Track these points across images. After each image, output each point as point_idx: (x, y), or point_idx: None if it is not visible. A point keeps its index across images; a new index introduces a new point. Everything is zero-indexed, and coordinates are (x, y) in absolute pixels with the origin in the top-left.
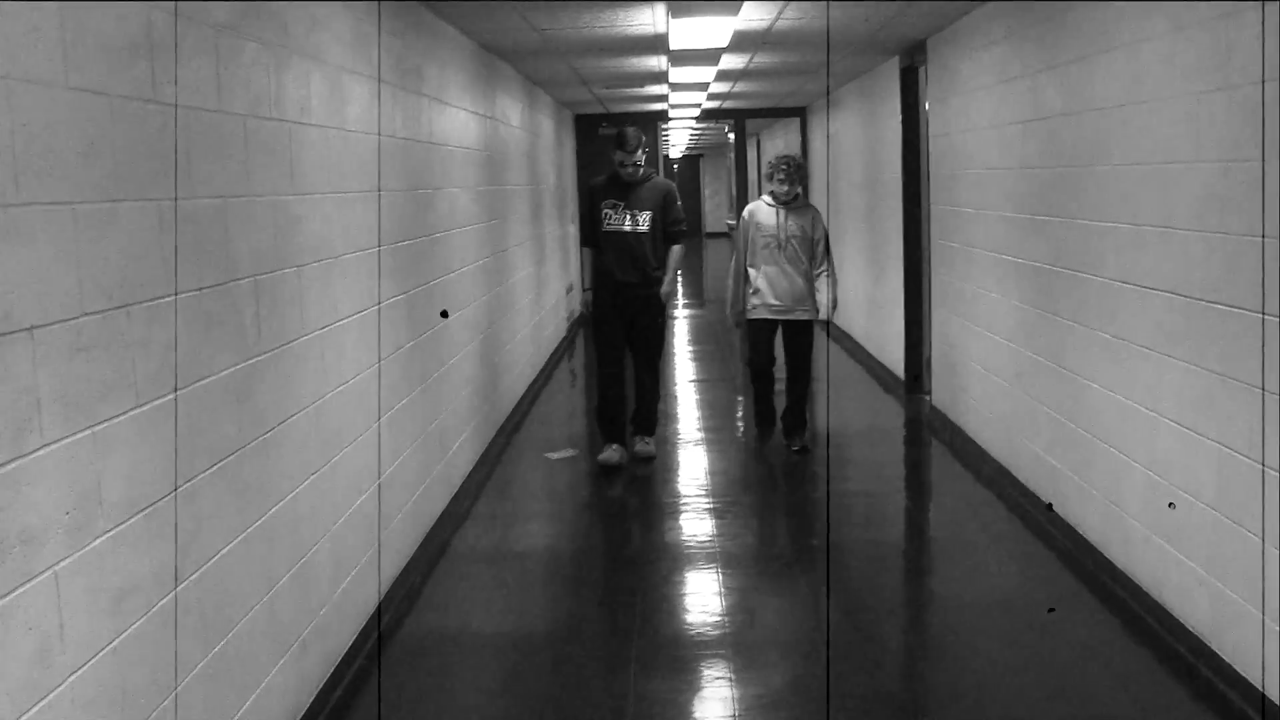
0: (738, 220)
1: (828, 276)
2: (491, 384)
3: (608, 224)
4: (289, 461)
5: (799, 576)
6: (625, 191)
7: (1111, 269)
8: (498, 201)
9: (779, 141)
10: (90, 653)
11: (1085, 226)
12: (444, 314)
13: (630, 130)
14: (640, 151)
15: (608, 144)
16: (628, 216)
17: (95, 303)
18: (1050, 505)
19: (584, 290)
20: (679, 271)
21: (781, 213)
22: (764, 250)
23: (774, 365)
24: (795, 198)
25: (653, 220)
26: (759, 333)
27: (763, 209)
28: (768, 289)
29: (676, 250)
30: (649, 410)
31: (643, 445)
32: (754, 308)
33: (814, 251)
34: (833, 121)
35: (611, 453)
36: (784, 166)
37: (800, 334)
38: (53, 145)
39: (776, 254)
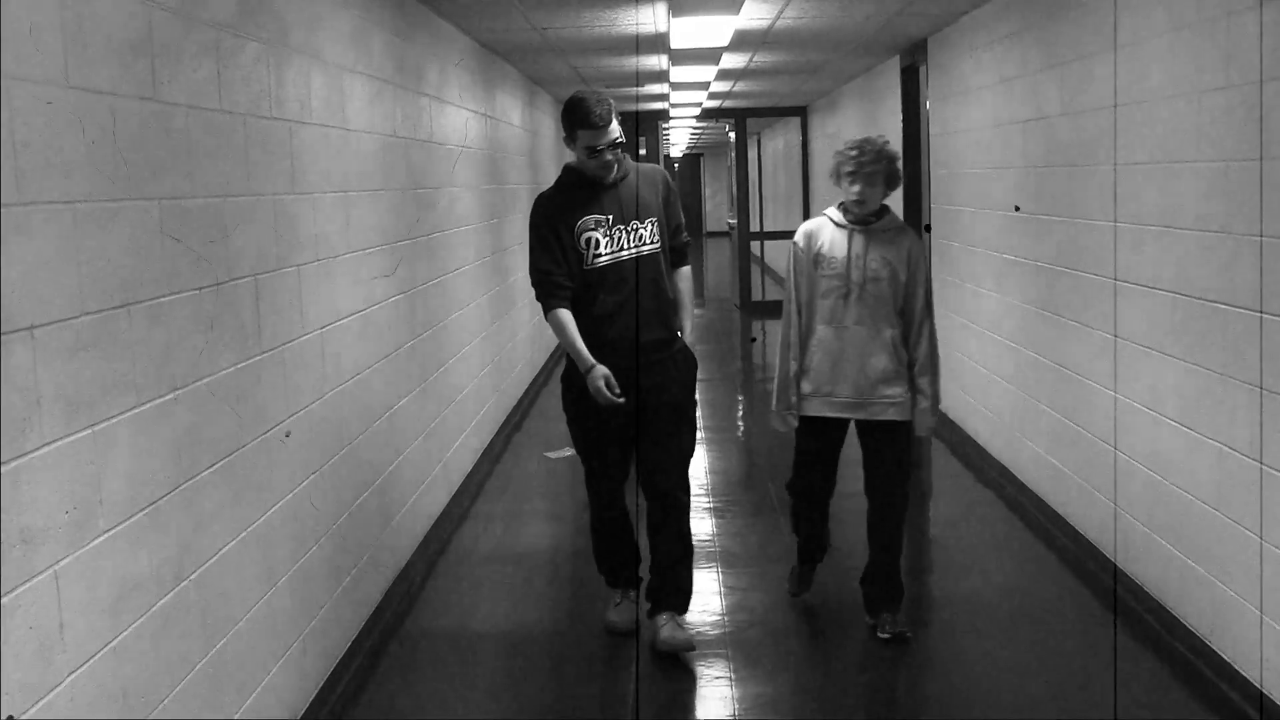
0: (791, 247)
1: (925, 351)
2: (492, 383)
3: (596, 255)
4: (289, 461)
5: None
6: (608, 197)
7: (1112, 268)
8: (498, 200)
9: (779, 141)
10: (90, 652)
11: (1085, 226)
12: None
13: (589, 94)
14: (616, 123)
15: (570, 129)
16: (626, 234)
17: (95, 302)
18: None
19: (584, 370)
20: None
21: (857, 238)
22: (825, 300)
23: (830, 493)
24: (880, 213)
25: (659, 228)
26: (809, 440)
27: (827, 229)
28: (826, 365)
29: (687, 274)
30: (679, 568)
31: (672, 629)
32: (804, 397)
33: (907, 305)
34: (833, 121)
35: (619, 612)
36: (856, 153)
37: (886, 444)
38: (53, 144)
39: (843, 307)
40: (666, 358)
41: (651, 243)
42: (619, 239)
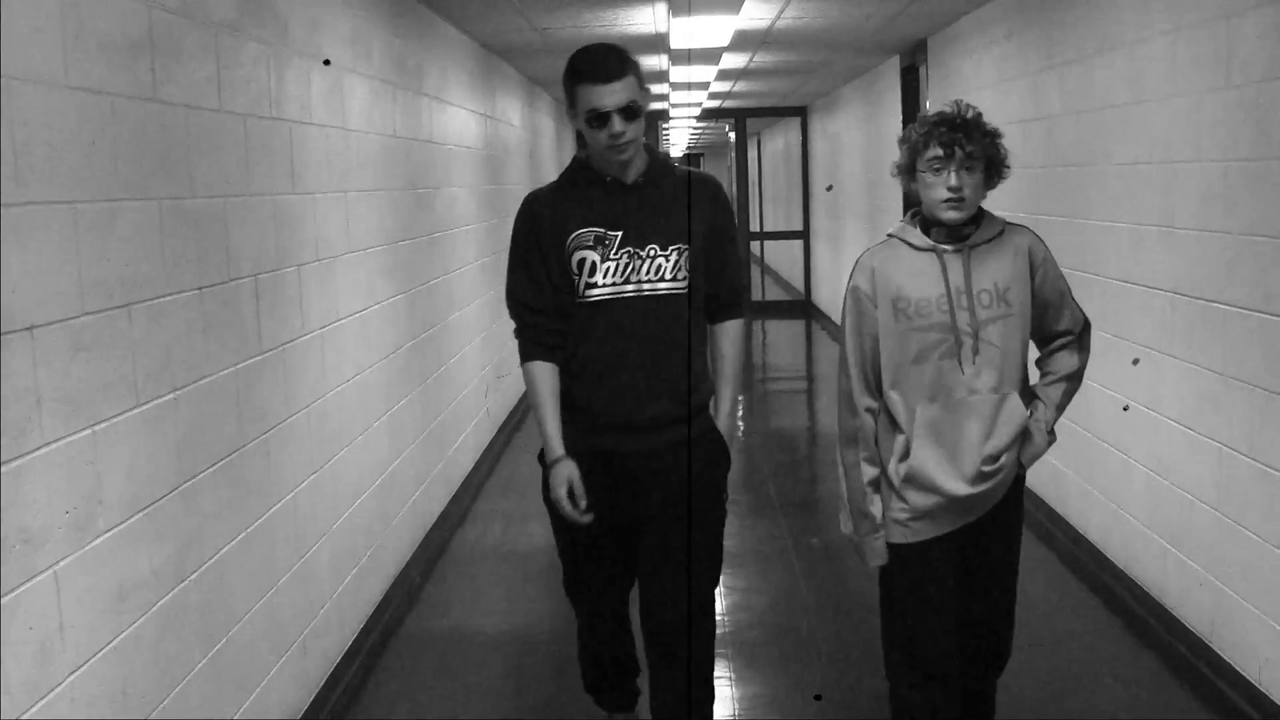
0: (846, 290)
1: (1070, 352)
2: (492, 382)
3: (590, 285)
4: (289, 461)
5: (799, 576)
6: (621, 205)
7: (1112, 269)
8: (498, 201)
9: (779, 141)
10: (90, 652)
11: (1085, 226)
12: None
13: (601, 47)
14: (635, 83)
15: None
16: (638, 261)
17: (95, 302)
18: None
19: (548, 464)
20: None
21: (954, 264)
22: (922, 366)
23: (954, 661)
24: (977, 218)
25: (690, 260)
26: (921, 574)
27: (902, 259)
28: (939, 459)
29: (734, 331)
30: (672, 615)
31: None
32: (911, 519)
33: (1046, 326)
34: (833, 121)
35: None
36: (945, 127)
37: (998, 539)
38: (53, 144)
39: (954, 371)
40: (676, 442)
41: (674, 279)
42: (626, 267)
